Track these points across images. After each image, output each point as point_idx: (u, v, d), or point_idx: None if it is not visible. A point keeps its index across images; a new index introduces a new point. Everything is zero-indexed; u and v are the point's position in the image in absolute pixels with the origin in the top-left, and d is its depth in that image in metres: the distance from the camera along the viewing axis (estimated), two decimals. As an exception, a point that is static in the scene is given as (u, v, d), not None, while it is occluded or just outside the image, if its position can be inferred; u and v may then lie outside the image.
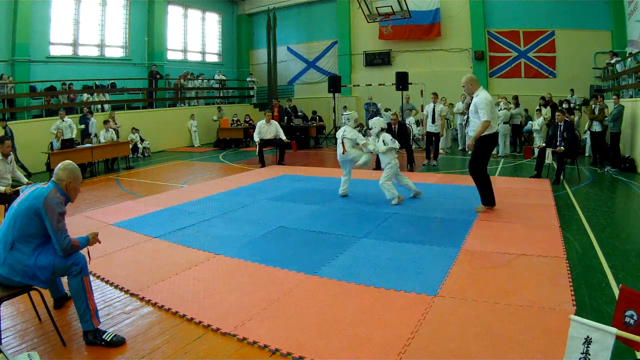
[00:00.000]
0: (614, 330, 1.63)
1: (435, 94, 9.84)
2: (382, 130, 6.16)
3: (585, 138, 9.79)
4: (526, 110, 11.73)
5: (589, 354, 1.65)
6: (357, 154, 6.29)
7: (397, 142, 6.19)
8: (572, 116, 9.59)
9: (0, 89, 10.64)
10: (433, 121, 9.42)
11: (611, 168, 8.33)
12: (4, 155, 5.12)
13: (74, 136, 9.90)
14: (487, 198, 5.31)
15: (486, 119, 4.96)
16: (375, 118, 6.44)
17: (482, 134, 5.05)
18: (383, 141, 6.06)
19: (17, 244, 2.55)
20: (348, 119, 6.38)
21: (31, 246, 2.57)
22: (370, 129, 6.33)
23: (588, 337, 1.66)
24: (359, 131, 6.47)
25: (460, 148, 11.50)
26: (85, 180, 8.52)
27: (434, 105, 9.47)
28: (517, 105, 10.80)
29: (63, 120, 9.68)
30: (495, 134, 5.18)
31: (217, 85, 16.90)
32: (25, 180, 5.32)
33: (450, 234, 4.52)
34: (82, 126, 10.97)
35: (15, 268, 2.52)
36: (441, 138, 10.10)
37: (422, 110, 10.98)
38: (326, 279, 3.49)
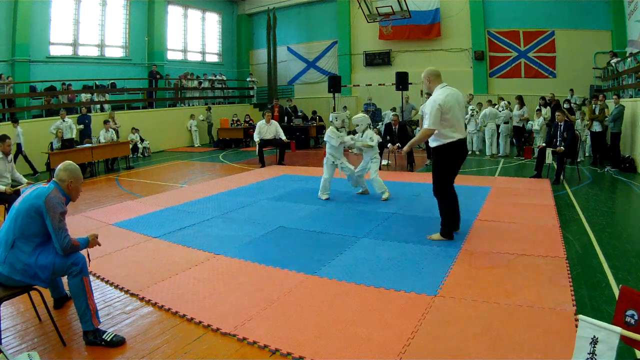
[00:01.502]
0: (618, 329, 1.64)
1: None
2: (368, 126, 6.23)
3: (586, 136, 9.71)
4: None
5: (596, 354, 1.66)
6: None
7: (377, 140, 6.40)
8: (573, 116, 9.56)
9: (0, 89, 10.64)
10: None
11: (611, 168, 8.33)
12: (4, 153, 5.12)
13: (74, 136, 9.89)
14: (445, 224, 4.32)
15: (426, 127, 4.05)
16: (360, 114, 6.46)
17: (441, 144, 4.13)
18: (370, 138, 6.13)
19: (18, 242, 2.55)
20: (336, 118, 6.32)
21: (32, 245, 2.57)
22: (357, 126, 6.34)
23: (595, 336, 1.67)
24: (348, 133, 6.57)
25: None
26: (85, 180, 8.50)
27: None
28: (521, 105, 10.27)
29: (64, 121, 9.67)
30: (455, 144, 4.09)
31: (214, 86, 16.89)
32: (24, 180, 5.32)
33: (450, 234, 4.51)
34: (81, 126, 10.96)
35: (15, 267, 2.53)
36: None
37: (422, 111, 10.99)
38: (326, 279, 3.49)
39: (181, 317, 2.95)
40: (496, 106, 10.49)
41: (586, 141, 9.72)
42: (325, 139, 6.28)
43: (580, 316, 1.74)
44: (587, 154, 9.80)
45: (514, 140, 11.08)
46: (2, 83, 10.63)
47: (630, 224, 5.13)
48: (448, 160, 4.21)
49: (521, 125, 10.37)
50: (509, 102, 10.86)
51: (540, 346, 2.44)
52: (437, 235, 4.38)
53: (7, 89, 10.76)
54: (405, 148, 4.55)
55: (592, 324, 1.68)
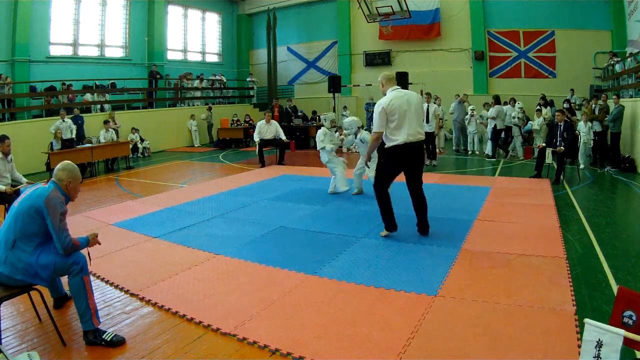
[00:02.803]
0: (621, 331, 1.64)
1: (428, 94, 9.88)
2: (359, 129, 6.25)
3: (590, 140, 9.48)
4: (522, 110, 11.52)
5: (601, 357, 1.67)
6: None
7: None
8: (574, 117, 9.50)
9: (0, 89, 10.64)
10: (427, 121, 9.45)
11: (611, 168, 8.33)
12: (4, 154, 5.12)
13: (73, 136, 9.89)
14: (385, 220, 4.52)
15: (374, 130, 4.25)
16: (349, 118, 6.43)
17: (386, 146, 4.26)
18: (361, 140, 6.17)
19: (19, 242, 2.55)
20: (325, 119, 6.50)
21: (32, 245, 2.58)
22: (347, 130, 6.32)
23: (600, 340, 1.68)
24: (335, 131, 6.79)
25: (454, 148, 11.46)
26: (85, 180, 8.51)
27: (428, 105, 9.51)
28: (495, 103, 9.67)
29: (63, 121, 9.66)
30: (398, 147, 4.16)
31: (213, 86, 16.88)
32: (24, 180, 5.32)
33: (450, 234, 4.52)
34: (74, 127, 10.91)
35: (16, 266, 2.53)
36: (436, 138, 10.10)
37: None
38: (326, 279, 3.49)
39: (181, 317, 2.96)
40: (517, 106, 10.28)
41: (588, 142, 8.93)
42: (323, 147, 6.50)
43: (586, 320, 1.74)
44: (587, 155, 9.65)
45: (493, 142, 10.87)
46: (2, 83, 10.62)
47: (630, 224, 5.13)
48: (390, 162, 4.30)
49: (493, 127, 9.70)
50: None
51: (540, 346, 2.44)
52: (384, 232, 4.55)
53: (7, 89, 10.75)
54: (365, 158, 4.82)
55: (597, 327, 1.69)
